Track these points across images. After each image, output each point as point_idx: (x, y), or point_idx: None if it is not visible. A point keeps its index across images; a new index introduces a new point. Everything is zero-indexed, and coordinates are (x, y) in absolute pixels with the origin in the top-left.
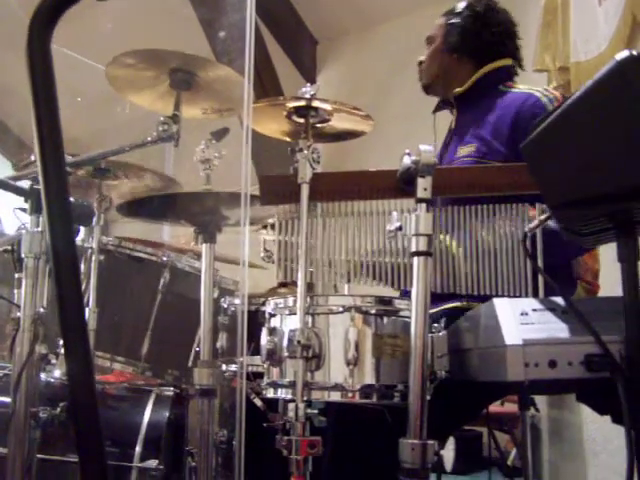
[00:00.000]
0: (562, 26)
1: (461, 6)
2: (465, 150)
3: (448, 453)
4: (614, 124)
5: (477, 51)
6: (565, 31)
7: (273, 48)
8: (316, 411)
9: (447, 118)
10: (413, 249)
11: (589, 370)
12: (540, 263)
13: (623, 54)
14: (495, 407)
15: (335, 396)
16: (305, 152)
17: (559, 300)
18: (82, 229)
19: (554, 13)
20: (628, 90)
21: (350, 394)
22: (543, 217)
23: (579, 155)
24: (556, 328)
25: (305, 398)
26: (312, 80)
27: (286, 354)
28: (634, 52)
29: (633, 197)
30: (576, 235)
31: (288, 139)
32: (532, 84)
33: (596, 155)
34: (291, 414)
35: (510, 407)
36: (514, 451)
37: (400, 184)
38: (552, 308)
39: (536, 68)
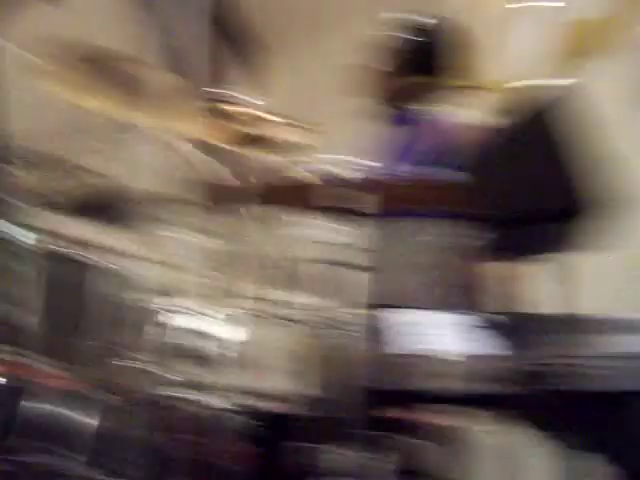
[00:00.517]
0: (496, 46)
1: (409, 21)
2: (395, 166)
3: (385, 465)
4: (536, 156)
5: (417, 69)
6: (500, 51)
7: (223, 57)
8: (251, 420)
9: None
10: (353, 263)
11: (517, 384)
12: (475, 277)
13: (543, 97)
14: (431, 419)
15: (269, 405)
16: (248, 161)
17: (489, 315)
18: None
19: (490, 33)
20: (545, 130)
21: (285, 403)
22: (476, 233)
23: (511, 178)
24: (484, 343)
25: (236, 404)
26: (262, 90)
27: (215, 359)
28: (553, 97)
29: (551, 219)
30: (507, 250)
31: (230, 147)
32: (465, 104)
33: (523, 179)
34: (220, 422)
35: (447, 420)
36: (454, 466)
37: (342, 198)
38: (481, 323)
39: (469, 87)
